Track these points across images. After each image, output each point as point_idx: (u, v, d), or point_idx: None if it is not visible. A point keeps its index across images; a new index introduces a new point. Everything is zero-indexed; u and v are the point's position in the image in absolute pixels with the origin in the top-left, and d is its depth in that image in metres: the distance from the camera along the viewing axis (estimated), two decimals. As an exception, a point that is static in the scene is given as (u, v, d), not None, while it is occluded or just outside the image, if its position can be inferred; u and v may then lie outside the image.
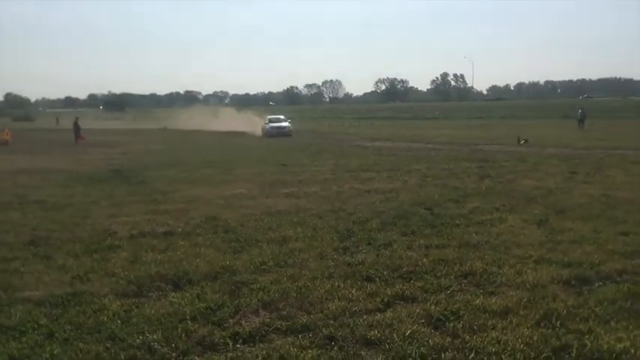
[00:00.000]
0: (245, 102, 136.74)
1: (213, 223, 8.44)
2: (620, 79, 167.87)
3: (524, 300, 5.01)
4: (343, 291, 5.38)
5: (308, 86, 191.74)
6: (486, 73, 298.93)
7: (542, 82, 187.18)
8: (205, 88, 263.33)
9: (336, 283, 5.59)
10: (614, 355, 3.91)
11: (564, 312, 4.70)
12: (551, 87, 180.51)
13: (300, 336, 4.39)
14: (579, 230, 7.57)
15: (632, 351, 3.94)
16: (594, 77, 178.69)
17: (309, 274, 5.90)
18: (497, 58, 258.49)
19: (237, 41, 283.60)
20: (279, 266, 6.22)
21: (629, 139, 22.57)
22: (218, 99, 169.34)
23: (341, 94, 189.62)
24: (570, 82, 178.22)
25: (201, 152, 22.85)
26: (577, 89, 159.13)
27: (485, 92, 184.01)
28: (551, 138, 29.19)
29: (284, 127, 40.09)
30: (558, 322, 4.49)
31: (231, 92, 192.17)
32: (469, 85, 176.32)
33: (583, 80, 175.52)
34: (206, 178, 14.00)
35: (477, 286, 5.49)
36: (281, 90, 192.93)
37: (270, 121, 41.82)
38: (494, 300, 5.05)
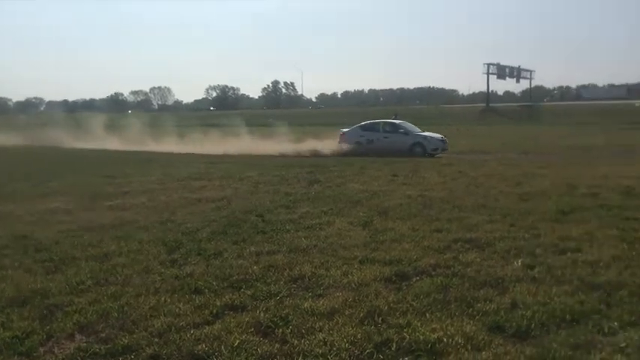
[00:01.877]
0: (64, 109, 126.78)
1: (22, 243, 7.62)
2: (434, 88, 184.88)
3: (350, 300, 5.18)
4: (170, 306, 5.15)
5: (134, 93, 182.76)
6: (315, 81, 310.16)
7: (366, 90, 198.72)
8: (17, 94, 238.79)
9: (162, 298, 5.34)
10: (429, 345, 4.17)
11: (386, 308, 4.94)
12: (374, 95, 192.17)
13: (120, 359, 4.09)
14: (399, 229, 8.05)
15: (445, 340, 4.24)
16: (412, 86, 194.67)
17: (132, 290, 5.55)
18: (325, 67, 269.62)
19: (54, 42, 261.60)
20: (99, 285, 5.78)
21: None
22: (32, 106, 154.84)
23: (170, 101, 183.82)
24: (391, 90, 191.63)
25: (11, 164, 20.73)
26: (397, 97, 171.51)
27: (314, 100, 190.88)
28: (374, 143, 30.94)
29: (445, 141, 25.36)
30: (380, 319, 4.70)
31: (47, 98, 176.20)
32: (299, 92, 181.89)
33: (402, 89, 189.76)
34: (16, 193, 12.67)
35: (306, 290, 5.57)
36: (105, 96, 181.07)
37: (404, 130, 25.81)
38: (321, 302, 5.16)
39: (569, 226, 8.03)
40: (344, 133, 26.65)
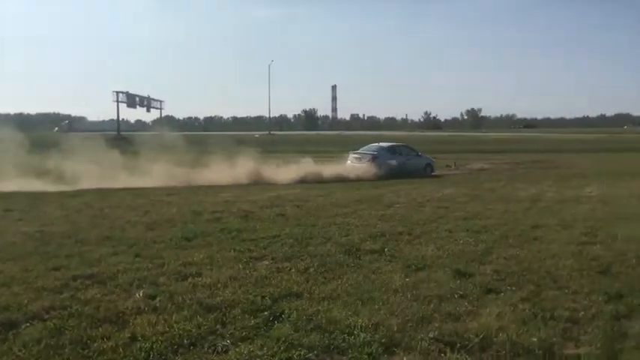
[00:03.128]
0: None
1: None
2: (59, 114, 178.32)
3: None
4: None
5: None
6: None
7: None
8: None
9: None
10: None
11: (-17, 368, 4.23)
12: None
13: None
14: (9, 271, 7.08)
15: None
16: (34, 112, 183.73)
17: None
18: None
19: None
20: None
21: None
22: None
23: None
24: (8, 115, 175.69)
25: None
26: (15, 122, 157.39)
27: None
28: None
29: None
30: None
31: None
32: None
33: (22, 114, 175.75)
34: None
35: None
36: None
37: (417, 153, 29.04)
38: None
39: (192, 252, 8.31)
40: (374, 157, 26.48)
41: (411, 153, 28.83)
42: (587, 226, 10.51)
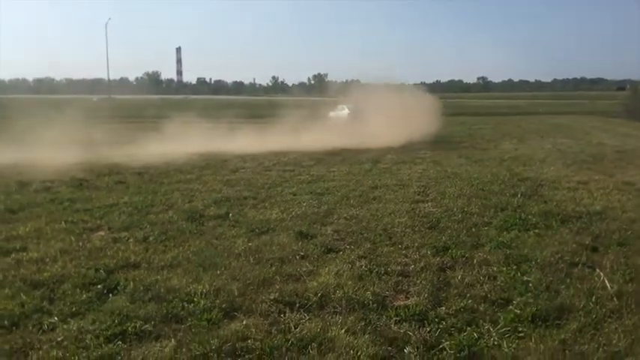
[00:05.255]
0: None
1: None
2: None
3: None
4: None
5: None
6: None
7: None
8: None
9: None
10: None
11: None
12: None
13: None
14: None
15: None
16: None
17: None
18: None
19: None
20: None
21: None
22: None
23: None
24: None
25: None
26: None
27: None
28: None
29: None
30: None
31: None
32: None
33: None
34: None
35: None
36: None
37: None
38: None
39: (17, 225, 7.63)
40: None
41: None
42: (421, 185, 11.23)
